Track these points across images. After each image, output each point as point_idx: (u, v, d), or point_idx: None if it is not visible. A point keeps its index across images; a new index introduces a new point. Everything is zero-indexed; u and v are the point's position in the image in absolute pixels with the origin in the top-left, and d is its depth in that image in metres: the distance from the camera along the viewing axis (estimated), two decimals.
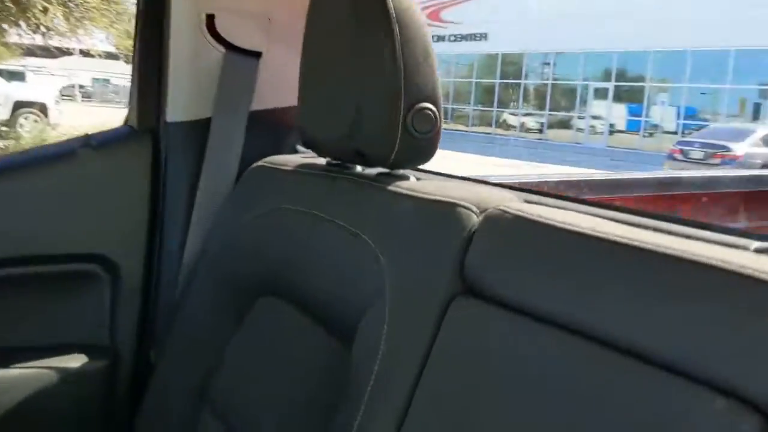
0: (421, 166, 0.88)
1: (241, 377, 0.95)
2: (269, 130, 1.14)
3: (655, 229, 0.63)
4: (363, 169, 0.91)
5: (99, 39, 10.87)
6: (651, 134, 17.93)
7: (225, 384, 0.97)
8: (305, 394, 0.84)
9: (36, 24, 8.05)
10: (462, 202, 0.71)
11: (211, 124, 1.10)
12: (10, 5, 7.43)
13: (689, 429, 0.49)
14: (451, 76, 22.46)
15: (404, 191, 0.79)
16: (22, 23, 8.08)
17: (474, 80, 22.48)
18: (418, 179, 0.86)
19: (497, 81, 21.57)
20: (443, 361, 0.66)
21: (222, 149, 1.10)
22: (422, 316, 0.69)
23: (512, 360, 0.61)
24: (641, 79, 18.07)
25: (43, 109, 10.87)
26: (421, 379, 0.67)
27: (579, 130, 19.48)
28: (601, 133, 18.89)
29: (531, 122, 20.90)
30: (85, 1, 7.87)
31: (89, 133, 1.12)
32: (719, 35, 14.90)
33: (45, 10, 7.72)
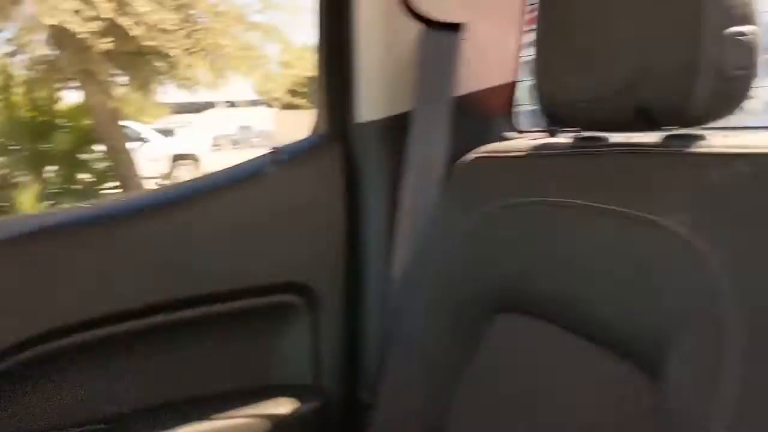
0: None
1: (487, 411, 0.76)
2: (476, 117, 0.96)
3: None
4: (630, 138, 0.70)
5: (239, 88, 11.39)
6: None
7: (466, 421, 0.79)
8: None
9: (182, 80, 8.49)
10: None
11: (409, 118, 0.94)
12: (158, 64, 7.89)
13: None
14: None
15: (725, 150, 0.58)
16: (169, 82, 8.56)
17: None
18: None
19: None
20: None
21: (425, 146, 0.93)
22: None
23: None
24: None
25: (196, 159, 11.81)
26: None
27: None
28: None
29: None
30: (225, 53, 8.20)
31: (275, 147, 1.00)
32: None
33: (190, 66, 8.12)
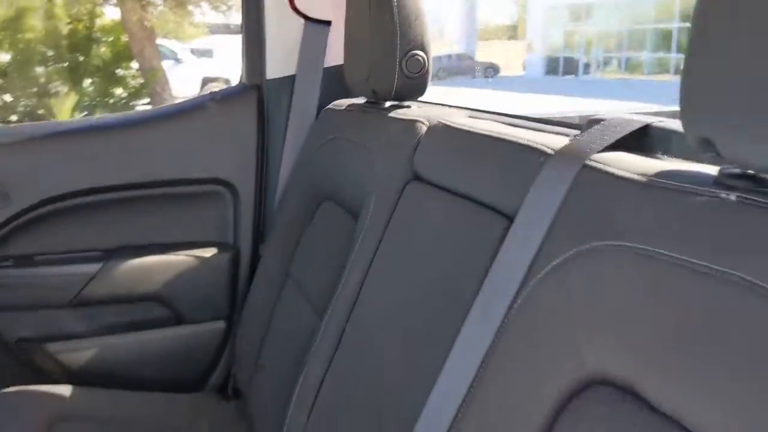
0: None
1: (305, 256, 1.33)
2: (338, 82, 1.50)
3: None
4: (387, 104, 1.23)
5: None
6: None
7: (298, 262, 1.36)
8: (329, 255, 1.20)
9: (217, 1, 8.92)
10: (419, 118, 1.03)
11: (295, 79, 1.48)
12: None
13: None
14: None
15: (395, 115, 1.12)
16: (204, 3, 8.99)
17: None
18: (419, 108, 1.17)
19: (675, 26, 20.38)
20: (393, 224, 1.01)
21: (304, 98, 1.48)
22: (389, 197, 1.02)
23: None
24: None
25: (227, 82, 12.23)
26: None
27: None
28: None
29: None
30: None
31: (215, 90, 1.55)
32: None
33: None
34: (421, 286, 0.90)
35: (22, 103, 6.89)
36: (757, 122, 0.50)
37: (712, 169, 0.59)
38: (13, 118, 6.45)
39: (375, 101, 1.25)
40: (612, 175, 0.65)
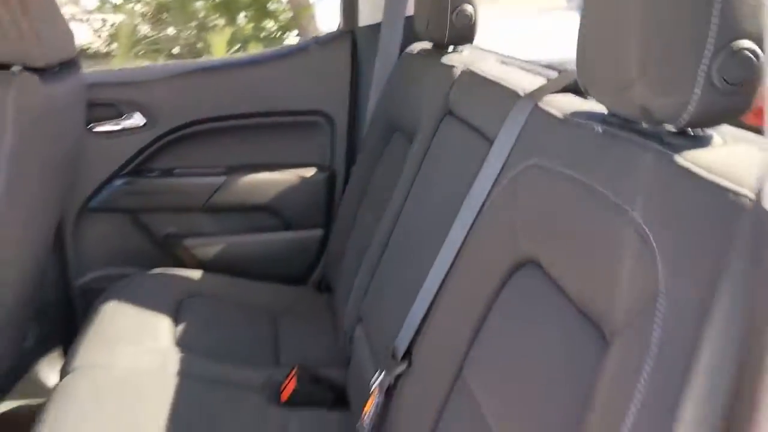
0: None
1: (377, 176, 1.61)
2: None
3: None
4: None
5: None
6: None
7: (372, 182, 1.64)
8: (392, 175, 1.47)
9: None
10: (457, 64, 1.26)
11: (381, 26, 1.74)
12: None
13: None
14: None
15: (445, 60, 1.35)
16: None
17: None
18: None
19: None
20: None
21: (389, 43, 1.73)
22: (430, 128, 1.28)
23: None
24: None
25: None
26: None
27: None
28: None
29: None
30: None
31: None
32: None
33: None
34: (440, 196, 1.16)
35: (183, 36, 7.50)
36: (606, 75, 0.71)
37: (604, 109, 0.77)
38: (176, 50, 7.07)
39: (436, 46, 1.49)
40: (547, 113, 0.88)
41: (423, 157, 1.28)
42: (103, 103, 1.74)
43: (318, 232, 1.90)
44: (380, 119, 1.68)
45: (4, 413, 1.59)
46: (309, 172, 1.87)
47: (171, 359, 1.34)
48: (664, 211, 0.59)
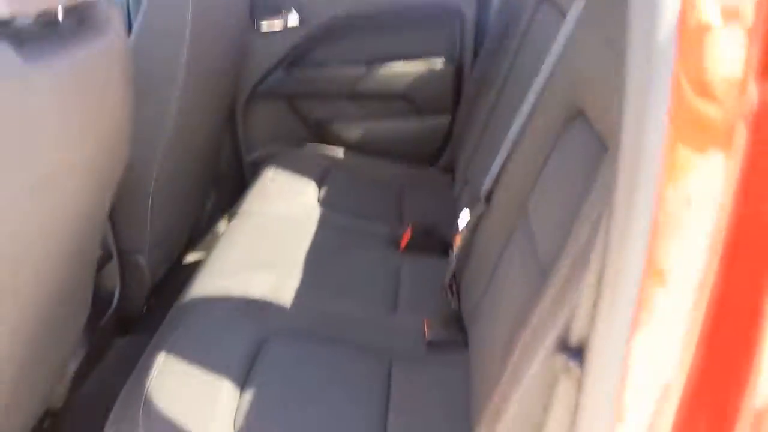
0: None
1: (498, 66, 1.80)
2: None
3: None
4: None
5: None
6: None
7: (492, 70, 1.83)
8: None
9: None
10: None
11: None
12: None
13: None
14: None
15: None
16: None
17: None
18: None
19: None
20: None
21: None
22: (525, 18, 1.46)
23: None
24: None
25: None
26: None
27: None
28: None
29: None
30: None
31: None
32: None
33: None
34: (526, 72, 1.36)
35: None
36: None
37: None
38: None
39: None
40: None
41: (519, 44, 1.47)
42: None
43: (446, 119, 2.13)
44: (503, 15, 1.86)
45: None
46: (438, 63, 2.09)
47: (315, 213, 1.66)
48: None
